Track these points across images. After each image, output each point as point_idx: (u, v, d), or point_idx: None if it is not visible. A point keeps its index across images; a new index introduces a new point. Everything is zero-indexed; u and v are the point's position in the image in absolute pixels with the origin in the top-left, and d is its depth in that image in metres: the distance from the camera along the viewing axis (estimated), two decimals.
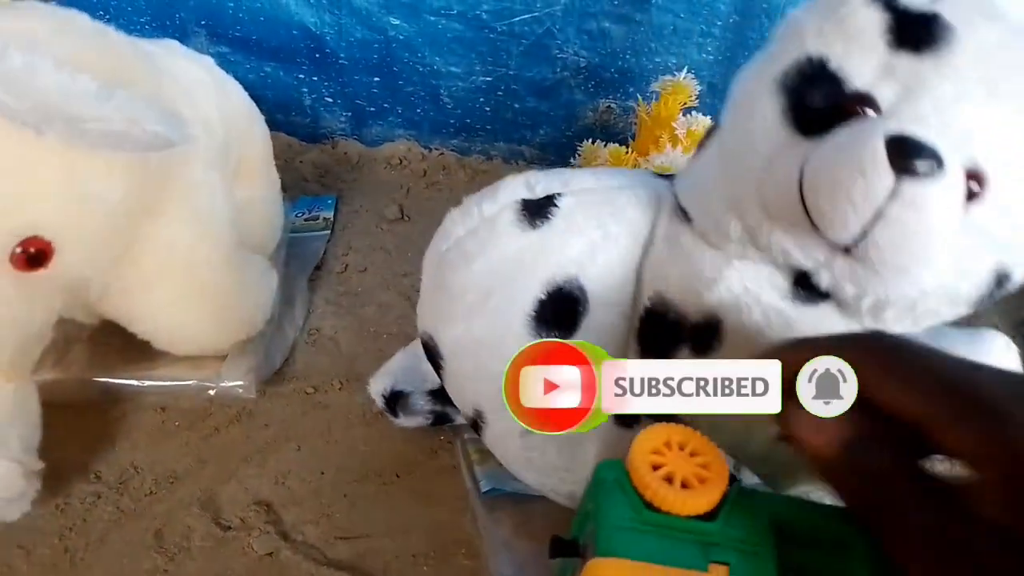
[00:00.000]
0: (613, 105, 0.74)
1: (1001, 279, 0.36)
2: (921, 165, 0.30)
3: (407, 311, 0.61)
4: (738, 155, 0.38)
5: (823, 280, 0.36)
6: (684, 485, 0.28)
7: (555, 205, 0.41)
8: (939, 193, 0.31)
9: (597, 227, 0.41)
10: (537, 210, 0.41)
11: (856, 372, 0.27)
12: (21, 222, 0.39)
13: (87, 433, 0.49)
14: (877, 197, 0.30)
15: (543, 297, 0.40)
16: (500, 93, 0.74)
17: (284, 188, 0.64)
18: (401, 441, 0.50)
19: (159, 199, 0.46)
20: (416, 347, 0.49)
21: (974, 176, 0.33)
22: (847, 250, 0.34)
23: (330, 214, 0.70)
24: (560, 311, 0.41)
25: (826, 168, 0.32)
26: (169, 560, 0.43)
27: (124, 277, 0.46)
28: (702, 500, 0.28)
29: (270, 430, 0.51)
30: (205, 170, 0.49)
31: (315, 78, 0.75)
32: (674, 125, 0.64)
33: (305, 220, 0.69)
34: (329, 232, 0.68)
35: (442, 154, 0.79)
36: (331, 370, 0.55)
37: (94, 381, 0.50)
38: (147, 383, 0.50)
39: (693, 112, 0.65)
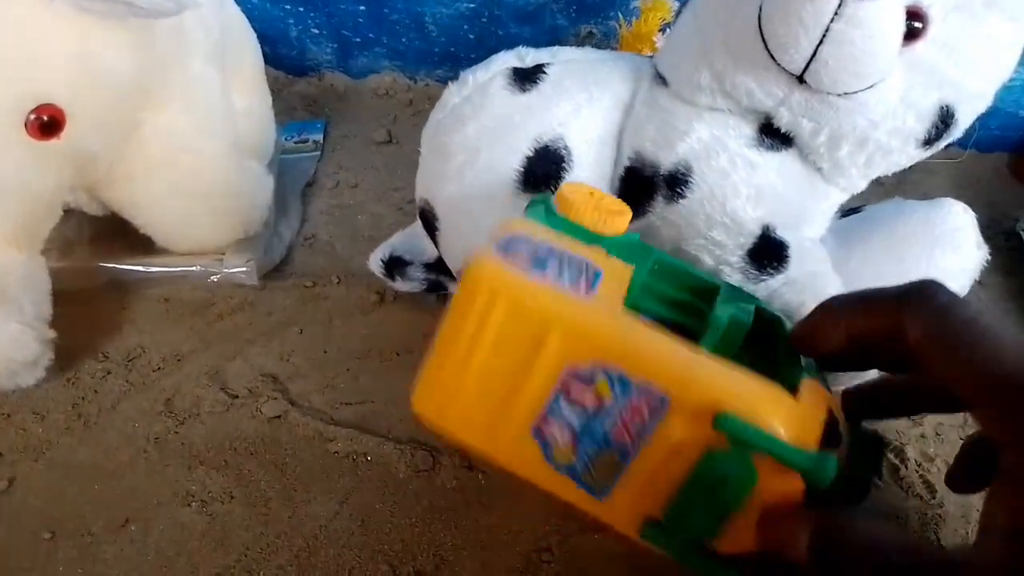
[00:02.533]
0: (594, 30, 0.77)
1: (945, 116, 0.40)
2: None
3: (400, 220, 0.64)
4: (708, 10, 0.42)
5: (783, 119, 0.41)
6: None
7: (544, 72, 0.45)
8: (877, 11, 0.35)
9: (582, 91, 0.45)
10: (527, 77, 0.45)
11: (903, 342, 0.24)
12: (35, 88, 0.42)
13: (93, 319, 0.52)
14: (824, 16, 0.35)
15: (530, 154, 0.44)
16: (484, 20, 0.77)
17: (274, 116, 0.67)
18: (399, 326, 0.53)
19: (162, 85, 0.48)
20: (414, 228, 0.52)
21: (916, 14, 0.38)
22: (801, 80, 0.38)
23: (319, 137, 0.73)
24: (546, 168, 0.44)
25: None
26: (179, 424, 0.46)
27: (128, 161, 0.48)
28: (613, 223, 0.32)
29: (272, 317, 0.53)
30: (204, 64, 0.52)
31: (301, 9, 0.78)
32: (654, 39, 0.68)
33: (296, 143, 0.72)
34: (319, 153, 0.71)
35: (427, 85, 0.82)
36: (329, 268, 0.58)
37: (100, 267, 0.52)
38: (152, 268, 0.52)
39: (670, 28, 0.69)
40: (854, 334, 0.25)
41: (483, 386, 0.28)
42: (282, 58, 0.80)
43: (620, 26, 0.70)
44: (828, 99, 0.39)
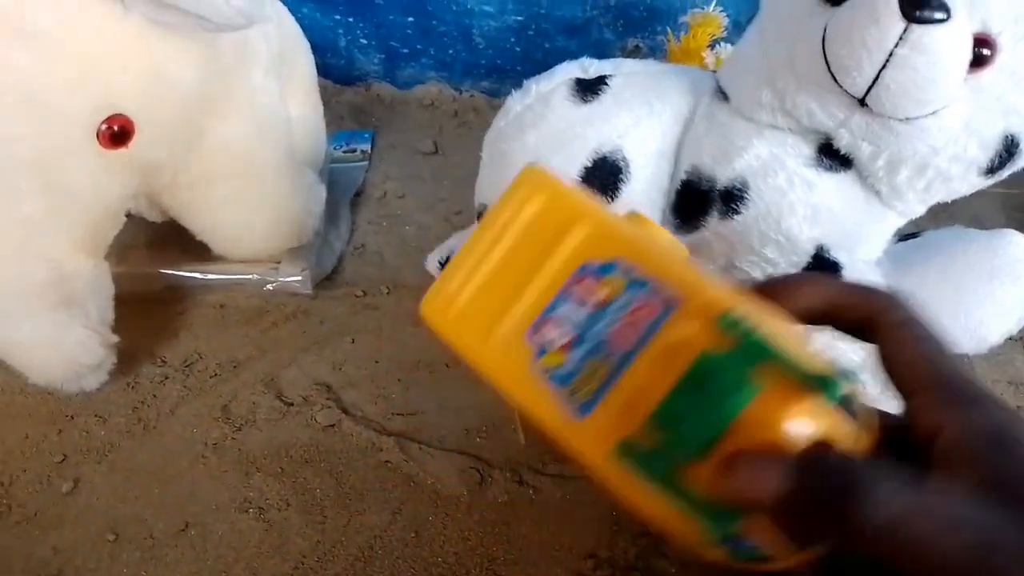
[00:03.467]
0: (641, 44, 0.78)
1: (1010, 145, 0.40)
2: (928, 13, 0.35)
3: (446, 231, 0.64)
4: (773, 28, 0.43)
5: (842, 141, 0.41)
6: None
7: (606, 84, 0.46)
8: (944, 38, 0.35)
9: (643, 104, 0.46)
10: (589, 88, 0.46)
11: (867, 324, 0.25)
12: (107, 99, 0.43)
13: (150, 324, 0.53)
14: (888, 40, 0.35)
15: (589, 164, 0.45)
16: (531, 32, 0.78)
17: None
18: None
19: (226, 96, 0.50)
20: (471, 231, 0.53)
21: (984, 41, 0.38)
22: (863, 103, 0.38)
23: (367, 147, 0.74)
24: (603, 178, 0.45)
25: (845, 20, 0.37)
26: (236, 430, 0.47)
27: (191, 169, 0.50)
28: None
29: (325, 326, 0.54)
30: (265, 75, 0.53)
31: (350, 19, 0.79)
32: (703, 55, 0.68)
33: (344, 152, 0.73)
34: (367, 163, 0.72)
35: (472, 96, 0.83)
36: (378, 278, 0.59)
37: (158, 273, 0.54)
38: (209, 275, 0.54)
39: (721, 43, 0.69)
40: (828, 304, 0.25)
41: (492, 283, 0.27)
42: (330, 67, 0.82)
43: (669, 41, 0.70)
44: (889, 123, 0.39)
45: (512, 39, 0.79)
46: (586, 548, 0.41)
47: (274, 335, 0.53)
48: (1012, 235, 0.48)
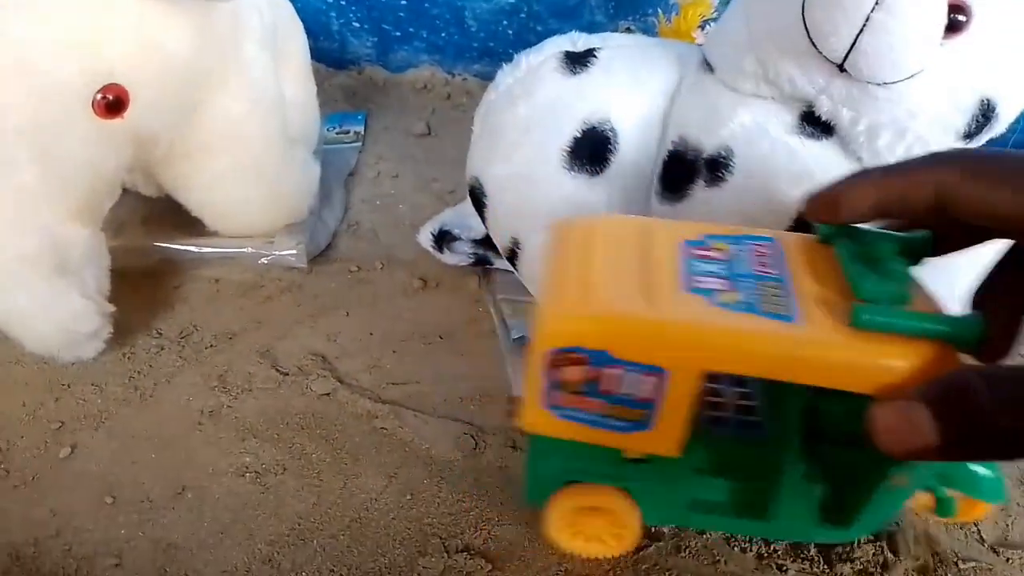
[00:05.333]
0: (632, 26, 0.79)
1: (987, 110, 0.41)
2: None
3: (439, 210, 0.65)
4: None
5: (823, 108, 0.42)
6: None
7: (594, 56, 0.47)
8: (917, 2, 0.36)
9: (631, 75, 0.47)
10: (578, 60, 0.47)
11: (941, 188, 0.26)
12: (101, 68, 0.43)
13: (146, 297, 0.53)
14: (864, 5, 0.36)
15: (578, 135, 0.45)
16: (523, 15, 0.79)
17: None
18: (442, 310, 0.55)
19: (219, 68, 0.50)
20: (463, 206, 0.54)
21: (959, 7, 0.38)
22: (842, 69, 0.39)
23: (360, 128, 0.74)
24: (593, 149, 0.46)
25: None
26: (233, 398, 0.47)
27: (186, 141, 0.50)
28: None
29: (319, 300, 0.55)
30: (259, 48, 0.53)
31: (343, 2, 0.80)
32: (693, 35, 0.69)
33: (337, 133, 0.73)
34: (360, 144, 0.73)
35: (465, 79, 0.83)
36: (372, 253, 0.60)
37: (153, 246, 0.54)
38: (205, 249, 0.54)
39: (711, 24, 0.70)
40: (884, 200, 0.27)
41: (613, 278, 0.29)
42: (323, 51, 0.82)
43: (659, 22, 0.71)
44: (867, 88, 0.40)
45: (504, 22, 0.80)
46: None
47: (269, 308, 0.54)
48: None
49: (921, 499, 0.37)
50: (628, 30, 0.79)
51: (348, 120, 0.75)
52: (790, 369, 0.27)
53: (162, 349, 0.50)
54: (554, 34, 0.80)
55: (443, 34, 0.81)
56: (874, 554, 0.40)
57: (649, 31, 0.78)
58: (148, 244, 0.54)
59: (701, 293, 0.28)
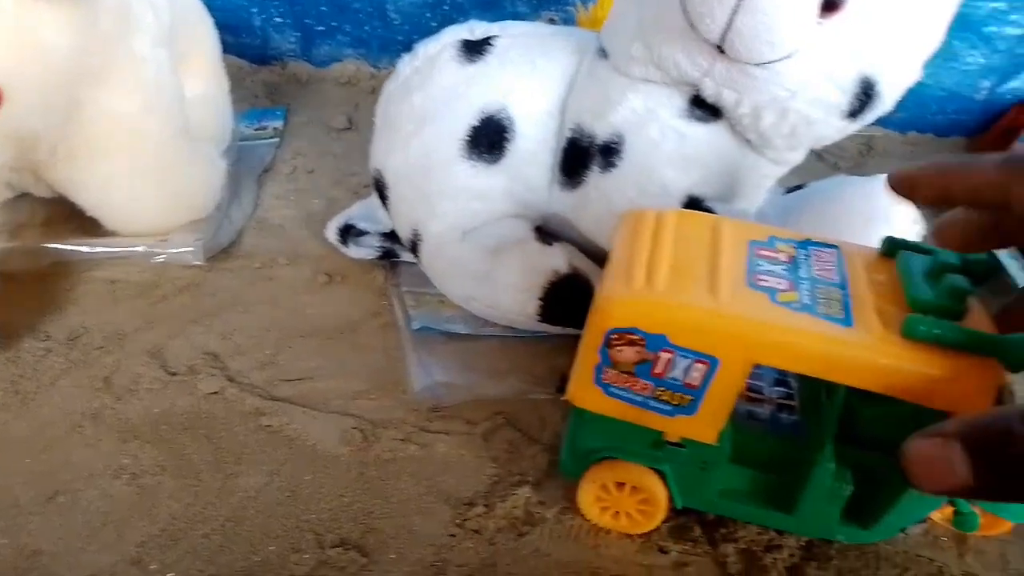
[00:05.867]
0: (555, 17, 0.78)
1: (867, 88, 0.40)
2: None
3: (354, 203, 0.64)
4: None
5: (708, 90, 0.41)
6: None
7: (491, 44, 0.47)
8: None
9: (527, 63, 0.46)
10: (474, 48, 0.47)
11: (1011, 190, 0.26)
12: None
13: (37, 300, 0.52)
14: None
15: (476, 124, 0.45)
16: (446, 7, 0.78)
17: (233, 103, 0.68)
18: (345, 305, 0.54)
19: (105, 65, 0.49)
20: (372, 200, 0.53)
21: None
22: (721, 50, 0.38)
23: (280, 124, 0.73)
24: (490, 137, 0.45)
25: None
26: (117, 400, 0.46)
27: (71, 140, 0.49)
28: None
29: (217, 297, 0.54)
30: (152, 46, 0.52)
31: None
32: None
33: (255, 130, 0.72)
34: (278, 140, 0.72)
35: (390, 72, 0.82)
36: (277, 249, 0.59)
37: (45, 248, 0.53)
38: (98, 249, 0.53)
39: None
40: (958, 188, 0.27)
41: (679, 268, 0.31)
42: (245, 47, 0.81)
43: (577, 11, 0.71)
44: (746, 69, 0.39)
45: (428, 14, 0.79)
46: (465, 496, 0.41)
47: (163, 308, 0.53)
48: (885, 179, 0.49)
49: (944, 510, 0.38)
50: (552, 20, 0.79)
51: (267, 116, 0.74)
52: (839, 370, 0.28)
53: (49, 352, 0.49)
54: None
55: (366, 28, 0.80)
56: (759, 533, 0.39)
57: (571, 21, 0.77)
58: (39, 246, 0.53)
59: (763, 290, 0.30)
